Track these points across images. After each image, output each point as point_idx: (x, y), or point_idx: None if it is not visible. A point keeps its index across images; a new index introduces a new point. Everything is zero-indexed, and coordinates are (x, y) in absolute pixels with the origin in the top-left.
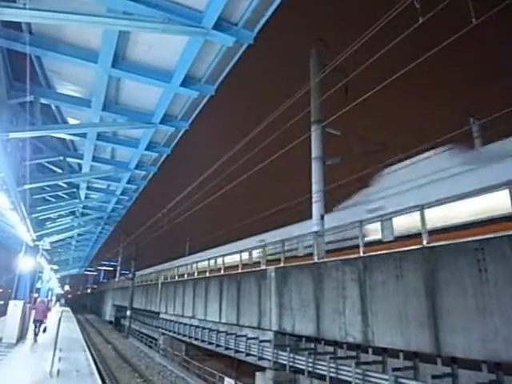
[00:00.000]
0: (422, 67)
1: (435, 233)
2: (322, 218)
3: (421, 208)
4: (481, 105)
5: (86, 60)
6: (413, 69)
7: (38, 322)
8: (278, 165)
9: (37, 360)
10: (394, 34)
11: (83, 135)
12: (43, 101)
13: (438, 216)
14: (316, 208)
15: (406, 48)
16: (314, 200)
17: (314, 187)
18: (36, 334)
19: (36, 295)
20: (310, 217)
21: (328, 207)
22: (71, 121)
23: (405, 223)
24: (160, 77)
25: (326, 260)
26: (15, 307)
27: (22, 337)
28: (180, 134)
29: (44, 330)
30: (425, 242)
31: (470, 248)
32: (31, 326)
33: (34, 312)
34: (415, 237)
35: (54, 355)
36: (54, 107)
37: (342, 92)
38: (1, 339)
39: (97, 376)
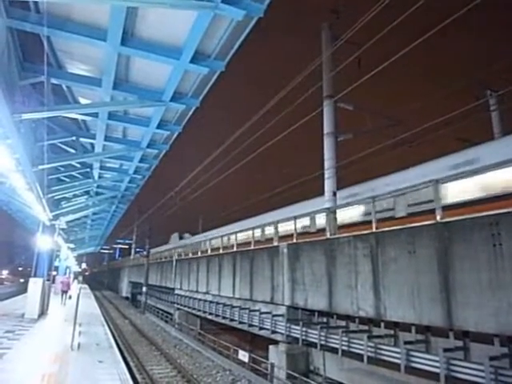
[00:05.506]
0: (438, 39)
1: (448, 208)
2: (335, 194)
3: (435, 183)
4: (498, 77)
5: (95, 38)
6: (427, 40)
7: (65, 292)
8: (291, 141)
9: (58, 334)
10: (409, 4)
11: (95, 115)
12: (54, 81)
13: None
14: (328, 184)
15: (421, 18)
16: (326, 176)
17: (326, 163)
18: (70, 298)
19: (54, 273)
20: (322, 194)
21: (340, 184)
22: (82, 100)
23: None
24: (169, 54)
25: (338, 236)
26: (35, 285)
27: (42, 312)
28: (191, 112)
29: (70, 297)
30: (438, 218)
31: (484, 223)
32: (56, 298)
33: (61, 285)
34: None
35: (74, 329)
36: (65, 87)
37: (355, 66)
38: (23, 315)
39: (115, 349)
